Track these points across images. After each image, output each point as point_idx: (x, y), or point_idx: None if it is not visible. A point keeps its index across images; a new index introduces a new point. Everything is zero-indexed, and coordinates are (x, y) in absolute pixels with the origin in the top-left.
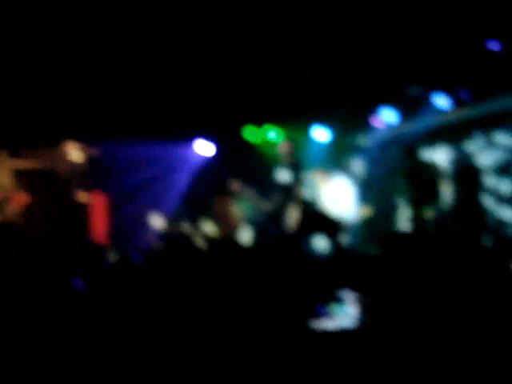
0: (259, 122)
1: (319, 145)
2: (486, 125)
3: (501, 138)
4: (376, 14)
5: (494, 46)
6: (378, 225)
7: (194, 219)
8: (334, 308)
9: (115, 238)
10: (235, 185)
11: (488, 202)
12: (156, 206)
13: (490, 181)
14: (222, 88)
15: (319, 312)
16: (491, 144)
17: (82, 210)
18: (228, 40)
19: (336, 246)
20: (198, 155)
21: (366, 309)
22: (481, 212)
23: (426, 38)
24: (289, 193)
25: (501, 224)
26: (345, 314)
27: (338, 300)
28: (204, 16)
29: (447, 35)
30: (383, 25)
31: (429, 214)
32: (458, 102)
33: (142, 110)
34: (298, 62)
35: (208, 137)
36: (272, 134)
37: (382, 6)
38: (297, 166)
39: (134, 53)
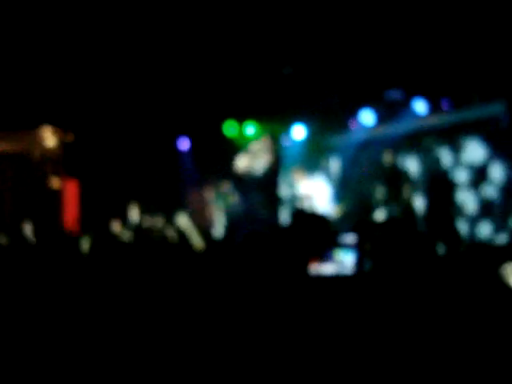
0: (239, 117)
1: (296, 143)
2: (459, 133)
3: (472, 148)
4: (360, 14)
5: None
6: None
7: (169, 213)
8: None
9: (85, 225)
10: (211, 179)
11: (453, 212)
12: (131, 197)
13: (459, 192)
14: (203, 82)
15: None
16: (461, 153)
17: (54, 195)
18: (211, 35)
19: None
20: (177, 148)
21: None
22: (446, 221)
23: (409, 42)
24: (266, 189)
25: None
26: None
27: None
28: (185, 12)
29: (430, 40)
30: (368, 26)
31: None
32: (436, 109)
33: (122, 100)
34: (280, 58)
35: (186, 131)
36: (250, 130)
37: (367, 6)
38: (275, 163)
39: (114, 40)
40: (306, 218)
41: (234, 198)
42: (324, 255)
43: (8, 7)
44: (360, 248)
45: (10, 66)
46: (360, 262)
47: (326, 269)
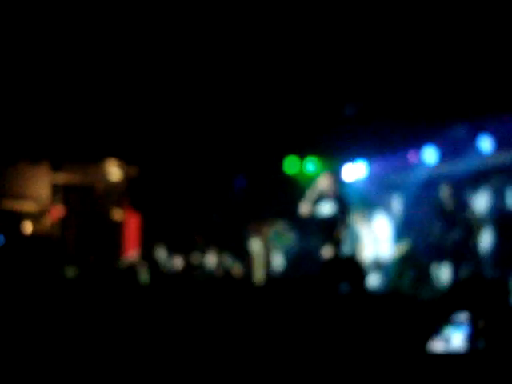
0: (300, 153)
1: (358, 180)
2: None
3: None
4: (422, 51)
5: None
6: (413, 263)
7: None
8: (450, 331)
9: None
10: (269, 217)
11: None
12: (193, 232)
13: None
14: (265, 119)
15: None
16: None
17: (117, 227)
18: (277, 72)
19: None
20: (238, 186)
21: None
22: None
23: (474, 77)
24: (327, 229)
25: None
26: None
27: (452, 322)
28: (248, 47)
29: (496, 75)
30: (430, 63)
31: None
32: (502, 147)
33: (185, 135)
34: (343, 96)
35: (246, 167)
36: (310, 166)
37: (429, 44)
38: (340, 201)
39: (175, 78)
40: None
41: (291, 237)
42: (436, 331)
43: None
44: (473, 325)
45: (80, 97)
46: (473, 340)
47: (436, 346)
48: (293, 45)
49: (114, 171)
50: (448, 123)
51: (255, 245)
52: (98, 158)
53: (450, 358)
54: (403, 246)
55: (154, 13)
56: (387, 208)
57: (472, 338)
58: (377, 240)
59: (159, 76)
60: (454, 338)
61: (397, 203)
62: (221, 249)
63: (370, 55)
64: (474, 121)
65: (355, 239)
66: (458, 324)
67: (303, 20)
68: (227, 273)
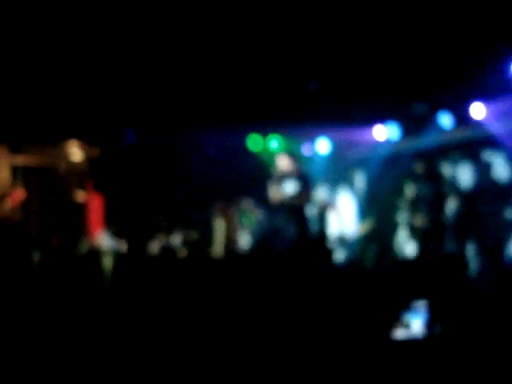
0: (263, 131)
1: (321, 157)
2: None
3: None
4: (385, 29)
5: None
6: (377, 240)
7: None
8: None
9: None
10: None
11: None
12: (157, 210)
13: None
14: (228, 97)
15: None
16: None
17: (79, 209)
18: (236, 48)
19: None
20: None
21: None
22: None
23: (435, 56)
24: (292, 208)
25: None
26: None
27: (411, 309)
28: (209, 26)
29: (456, 55)
30: (393, 40)
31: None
32: (462, 122)
33: (147, 114)
34: (305, 72)
35: (210, 144)
36: (274, 144)
37: (391, 21)
38: (303, 179)
39: (136, 57)
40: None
41: (258, 216)
42: (397, 318)
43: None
44: (431, 311)
45: (39, 80)
46: (430, 326)
47: (399, 333)
48: (254, 22)
49: (76, 152)
50: (409, 100)
51: (219, 224)
52: (59, 140)
53: (409, 344)
54: (368, 223)
55: None
56: (351, 185)
57: (429, 324)
58: (341, 216)
59: (119, 56)
60: (414, 324)
61: (360, 180)
62: (185, 229)
63: (331, 32)
64: (434, 97)
65: (320, 216)
66: (416, 310)
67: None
68: (190, 253)
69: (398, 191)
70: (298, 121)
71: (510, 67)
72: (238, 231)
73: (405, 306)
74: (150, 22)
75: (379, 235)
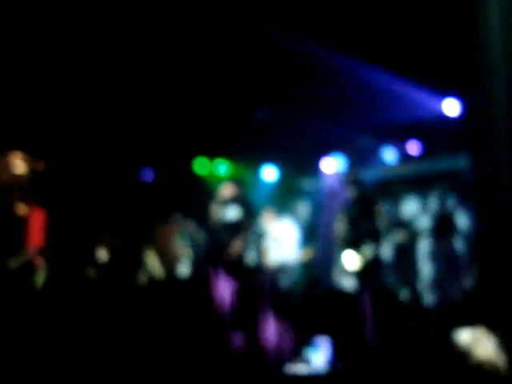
0: (210, 155)
1: (267, 184)
2: (427, 182)
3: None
4: (330, 63)
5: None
6: (317, 268)
7: (135, 249)
8: (308, 352)
9: (49, 256)
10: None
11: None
12: (98, 230)
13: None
14: (175, 119)
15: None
16: (427, 203)
17: (20, 222)
18: (187, 72)
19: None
20: (144, 181)
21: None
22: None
23: (380, 89)
24: (232, 230)
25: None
26: (318, 359)
27: (312, 344)
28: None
29: (400, 88)
30: (340, 72)
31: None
32: (405, 158)
33: (92, 131)
34: (255, 100)
35: (154, 164)
36: (222, 168)
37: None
38: (246, 205)
39: (81, 69)
40: None
41: (200, 238)
42: (296, 354)
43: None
44: (334, 347)
45: None
46: (333, 361)
47: (300, 368)
48: (205, 46)
49: (19, 164)
50: (355, 133)
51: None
52: (1, 150)
53: (311, 380)
54: (308, 252)
55: None
56: (294, 213)
57: (332, 360)
58: (281, 244)
59: (65, 68)
60: (315, 360)
61: (304, 209)
62: (128, 246)
63: (282, 63)
64: (380, 132)
65: (260, 243)
66: (318, 346)
67: (213, 19)
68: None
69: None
70: (246, 146)
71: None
72: (178, 254)
73: (306, 340)
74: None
75: (318, 265)
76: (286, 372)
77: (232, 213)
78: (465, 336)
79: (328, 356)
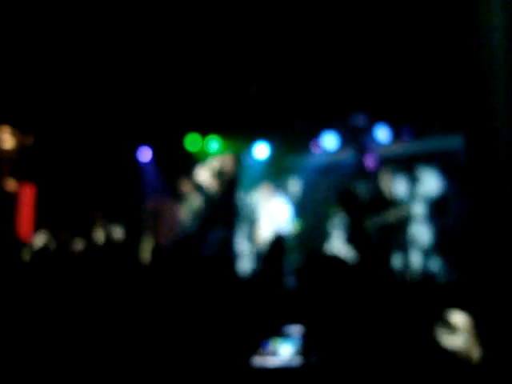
0: (202, 131)
1: (259, 161)
2: (418, 163)
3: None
4: (328, 38)
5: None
6: (308, 244)
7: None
8: (278, 344)
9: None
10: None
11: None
12: (89, 206)
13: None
14: (169, 95)
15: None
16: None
17: (9, 198)
18: (181, 48)
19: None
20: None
21: (311, 345)
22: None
23: (376, 67)
24: (222, 207)
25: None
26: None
27: (282, 335)
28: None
29: (395, 68)
30: (335, 49)
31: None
32: (398, 138)
33: (83, 106)
34: (247, 76)
35: (147, 143)
36: (213, 145)
37: (334, 29)
38: (233, 182)
39: (74, 44)
40: None
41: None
42: (263, 345)
43: None
44: (306, 338)
45: None
46: (305, 353)
47: (270, 361)
48: (198, 23)
49: (7, 139)
50: (348, 111)
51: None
52: None
53: (282, 372)
54: (297, 224)
55: None
56: (285, 191)
57: (304, 352)
58: (274, 220)
59: (58, 42)
60: (283, 352)
61: (295, 187)
62: (122, 225)
63: (276, 39)
64: (373, 110)
65: (252, 219)
66: (287, 336)
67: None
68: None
69: (333, 200)
70: (237, 123)
71: None
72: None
73: (274, 331)
74: None
75: (309, 238)
76: (253, 365)
77: (220, 183)
78: (459, 318)
79: (300, 347)
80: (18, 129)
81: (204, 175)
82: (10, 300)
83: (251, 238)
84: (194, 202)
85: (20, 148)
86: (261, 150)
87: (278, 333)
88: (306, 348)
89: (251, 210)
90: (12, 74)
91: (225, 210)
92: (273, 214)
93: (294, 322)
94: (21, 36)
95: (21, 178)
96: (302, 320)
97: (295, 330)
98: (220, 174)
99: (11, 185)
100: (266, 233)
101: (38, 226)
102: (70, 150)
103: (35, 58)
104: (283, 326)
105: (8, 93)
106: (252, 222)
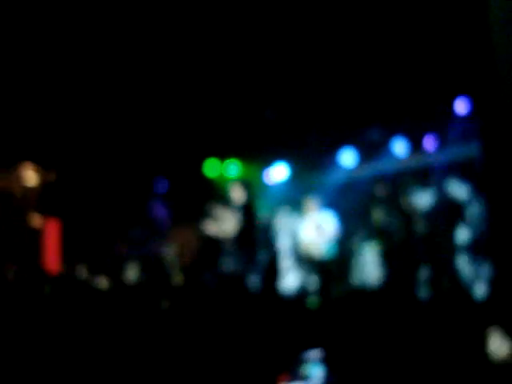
0: (220, 156)
1: (279, 183)
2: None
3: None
4: (339, 55)
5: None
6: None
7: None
8: (306, 369)
9: (67, 264)
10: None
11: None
12: (116, 237)
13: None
14: (185, 121)
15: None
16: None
17: (35, 234)
18: (194, 74)
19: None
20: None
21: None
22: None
23: (391, 81)
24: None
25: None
26: (317, 375)
27: (310, 361)
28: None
29: (410, 81)
30: (348, 66)
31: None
32: (416, 150)
33: (103, 140)
34: (263, 100)
35: (165, 172)
36: (232, 170)
37: (345, 47)
38: (248, 208)
39: (91, 79)
40: None
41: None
42: (292, 371)
43: None
44: (327, 362)
45: None
46: (328, 376)
47: None
48: (213, 47)
49: (31, 176)
50: (365, 126)
51: (171, 251)
52: (13, 163)
53: None
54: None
55: None
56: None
57: (327, 375)
58: (323, 231)
59: (77, 78)
60: (313, 376)
61: (316, 205)
62: (140, 259)
63: (289, 59)
64: (389, 124)
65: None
66: (312, 361)
67: (220, 19)
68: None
69: (358, 217)
70: (255, 146)
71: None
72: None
73: (297, 358)
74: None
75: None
76: None
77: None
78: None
79: (323, 371)
80: (41, 165)
81: (236, 198)
82: (35, 332)
83: (296, 253)
84: (228, 226)
85: (43, 184)
86: (280, 171)
87: (303, 359)
88: (329, 371)
89: (289, 228)
90: (32, 112)
91: (262, 231)
92: (320, 226)
93: (324, 346)
94: (40, 70)
95: (45, 214)
96: (335, 345)
97: (317, 354)
98: (226, 221)
99: (36, 221)
100: (316, 246)
101: (65, 260)
102: (92, 184)
103: (54, 94)
104: (304, 352)
105: (29, 130)
106: (293, 240)
